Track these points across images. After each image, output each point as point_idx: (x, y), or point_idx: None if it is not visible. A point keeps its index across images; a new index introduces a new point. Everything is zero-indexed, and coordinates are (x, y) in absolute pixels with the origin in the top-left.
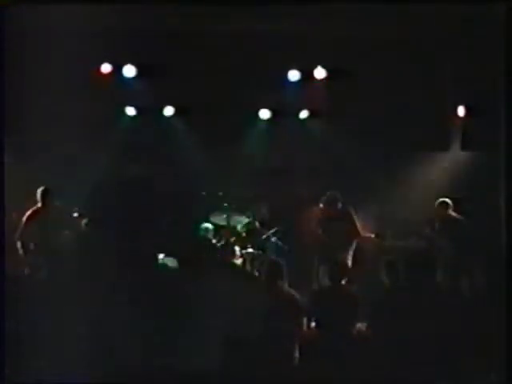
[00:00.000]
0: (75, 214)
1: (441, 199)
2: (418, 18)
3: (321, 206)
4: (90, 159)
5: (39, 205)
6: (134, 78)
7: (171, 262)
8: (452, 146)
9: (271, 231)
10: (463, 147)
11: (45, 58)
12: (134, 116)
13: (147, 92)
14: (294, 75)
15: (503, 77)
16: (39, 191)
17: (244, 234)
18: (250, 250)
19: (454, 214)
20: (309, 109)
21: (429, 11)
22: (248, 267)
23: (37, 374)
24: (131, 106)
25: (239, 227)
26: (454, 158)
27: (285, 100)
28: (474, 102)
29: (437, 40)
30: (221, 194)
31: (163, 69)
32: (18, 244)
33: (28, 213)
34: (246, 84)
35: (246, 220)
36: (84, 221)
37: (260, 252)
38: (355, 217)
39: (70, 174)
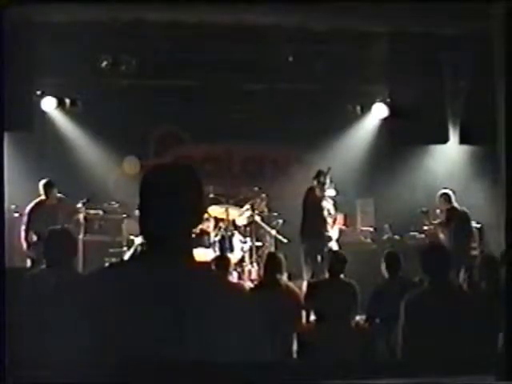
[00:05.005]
0: (79, 205)
1: (442, 190)
2: (418, 14)
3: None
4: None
5: (42, 197)
6: (135, 74)
7: None
8: (450, 139)
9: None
10: (461, 140)
11: (44, 56)
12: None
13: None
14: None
15: (503, 72)
16: (41, 184)
17: (243, 227)
18: (249, 242)
19: (457, 205)
20: (308, 102)
21: (430, 9)
22: (247, 260)
23: (38, 371)
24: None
25: (238, 220)
26: (452, 151)
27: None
28: (472, 96)
29: (436, 35)
30: None
31: (163, 62)
32: (22, 236)
33: (31, 205)
34: (245, 76)
35: (245, 213)
36: (82, 214)
37: (259, 244)
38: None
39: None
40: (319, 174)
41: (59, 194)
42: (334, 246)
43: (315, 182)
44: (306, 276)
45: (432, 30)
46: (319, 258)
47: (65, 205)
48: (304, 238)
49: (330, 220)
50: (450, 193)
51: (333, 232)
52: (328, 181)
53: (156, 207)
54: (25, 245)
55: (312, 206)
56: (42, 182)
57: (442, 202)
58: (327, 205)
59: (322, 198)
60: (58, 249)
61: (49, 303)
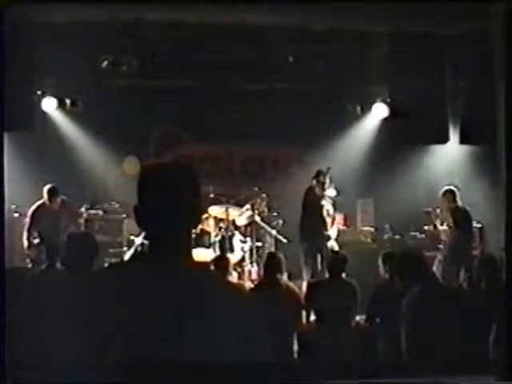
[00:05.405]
0: (82, 209)
1: (446, 187)
2: (418, 14)
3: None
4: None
5: (46, 201)
6: (135, 74)
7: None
8: (450, 139)
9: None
10: (462, 140)
11: (44, 56)
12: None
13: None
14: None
15: (503, 72)
16: (46, 189)
17: (243, 227)
18: (249, 242)
19: (460, 203)
20: (308, 102)
21: (430, 9)
22: (247, 260)
23: (37, 371)
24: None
25: (238, 220)
26: (452, 151)
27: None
28: (472, 96)
29: (436, 35)
30: None
31: (163, 62)
32: (24, 237)
33: (33, 207)
34: (245, 75)
35: (245, 213)
36: (84, 216)
37: (259, 244)
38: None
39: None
40: (318, 174)
41: (61, 196)
42: (333, 245)
43: (314, 182)
44: (306, 276)
45: (432, 30)
46: (319, 257)
47: (67, 207)
48: (303, 238)
49: (328, 220)
50: (455, 190)
51: (331, 231)
52: (327, 180)
53: (155, 207)
54: (26, 245)
55: (311, 205)
56: (47, 187)
57: (445, 200)
58: (326, 204)
59: (322, 197)
60: (75, 250)
61: (49, 303)
